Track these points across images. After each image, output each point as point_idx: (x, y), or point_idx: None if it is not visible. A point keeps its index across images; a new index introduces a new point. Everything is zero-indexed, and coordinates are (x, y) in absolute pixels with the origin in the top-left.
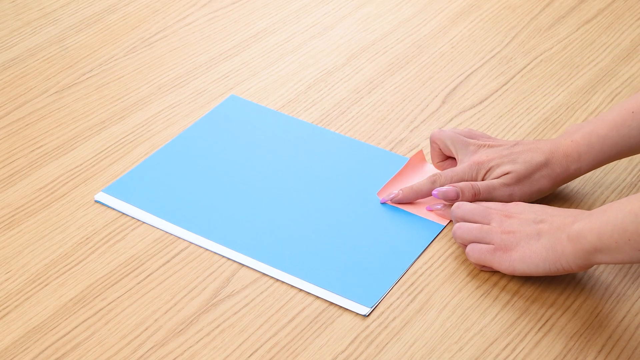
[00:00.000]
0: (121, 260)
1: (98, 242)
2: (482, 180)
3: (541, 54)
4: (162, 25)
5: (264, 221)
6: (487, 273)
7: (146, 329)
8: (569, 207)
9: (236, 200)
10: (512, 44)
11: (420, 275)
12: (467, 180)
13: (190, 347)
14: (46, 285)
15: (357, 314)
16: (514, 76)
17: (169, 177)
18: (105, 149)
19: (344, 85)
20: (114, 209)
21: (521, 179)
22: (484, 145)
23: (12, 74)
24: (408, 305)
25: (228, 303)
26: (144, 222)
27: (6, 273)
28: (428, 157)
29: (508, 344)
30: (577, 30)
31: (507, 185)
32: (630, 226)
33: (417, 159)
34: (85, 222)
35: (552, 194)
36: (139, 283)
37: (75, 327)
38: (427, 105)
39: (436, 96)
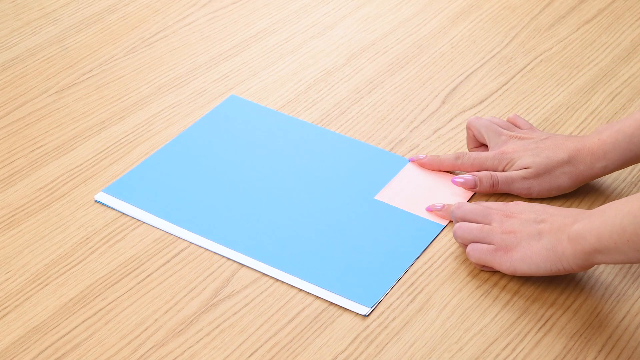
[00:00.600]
0: (121, 260)
1: (98, 242)
2: (503, 171)
3: (541, 54)
4: (162, 25)
5: (264, 221)
6: (487, 273)
7: (146, 329)
8: (569, 207)
9: (236, 200)
10: (512, 44)
11: (420, 275)
12: (488, 168)
13: (190, 347)
14: (46, 285)
15: (357, 314)
16: (514, 76)
17: (169, 177)
18: (105, 149)
19: (344, 85)
20: (114, 209)
21: (540, 174)
22: (515, 137)
23: (12, 74)
24: (408, 305)
25: (228, 303)
26: (144, 222)
27: (6, 273)
28: (463, 143)
29: (508, 344)
30: (577, 30)
31: (526, 178)
32: (629, 227)
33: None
34: (85, 222)
35: None
36: (139, 283)
37: (75, 327)
38: (427, 105)
39: (436, 96)
